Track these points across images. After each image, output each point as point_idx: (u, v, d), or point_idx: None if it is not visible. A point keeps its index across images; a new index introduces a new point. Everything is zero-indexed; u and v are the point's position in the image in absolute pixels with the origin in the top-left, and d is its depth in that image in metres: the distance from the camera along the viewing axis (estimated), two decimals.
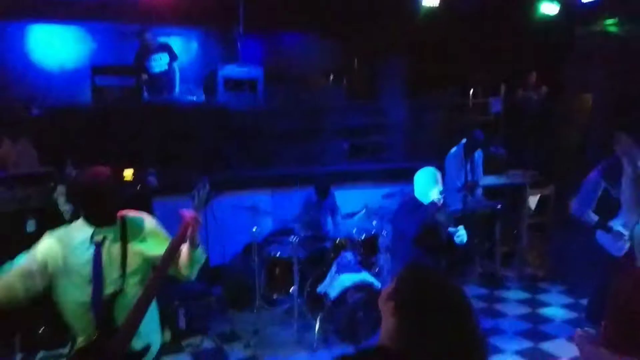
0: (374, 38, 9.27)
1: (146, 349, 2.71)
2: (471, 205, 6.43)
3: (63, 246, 2.64)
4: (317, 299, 5.40)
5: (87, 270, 2.62)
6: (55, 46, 7.97)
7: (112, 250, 2.69)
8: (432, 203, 4.13)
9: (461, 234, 4.21)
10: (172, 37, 8.21)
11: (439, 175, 4.26)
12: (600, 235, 5.15)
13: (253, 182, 7.03)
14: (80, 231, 2.70)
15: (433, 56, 9.86)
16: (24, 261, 2.61)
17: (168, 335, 5.22)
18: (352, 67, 9.86)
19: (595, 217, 5.04)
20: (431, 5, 8.76)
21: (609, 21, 8.60)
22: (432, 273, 1.66)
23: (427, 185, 4.22)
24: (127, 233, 2.75)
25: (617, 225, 4.98)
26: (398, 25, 9.21)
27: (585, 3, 7.96)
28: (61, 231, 2.71)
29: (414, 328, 1.51)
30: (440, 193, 4.14)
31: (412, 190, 4.38)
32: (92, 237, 2.67)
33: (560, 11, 8.45)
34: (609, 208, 5.07)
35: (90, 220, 2.69)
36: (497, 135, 9.13)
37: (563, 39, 8.94)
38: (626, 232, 4.93)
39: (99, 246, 2.66)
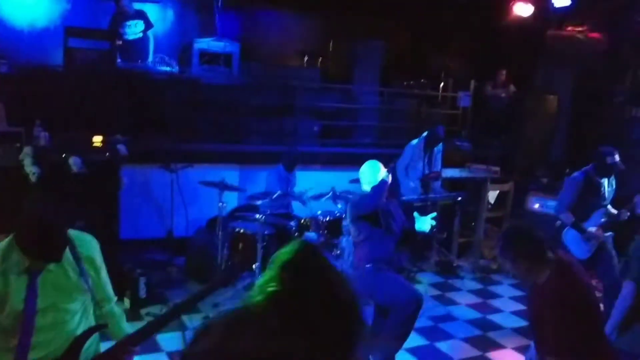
0: (352, 22, 9.34)
1: None
2: (431, 196, 6.62)
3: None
4: None
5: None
6: (26, 3, 7.76)
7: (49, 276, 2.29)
8: (383, 181, 4.36)
9: (425, 221, 4.41)
10: (148, 4, 8.09)
11: (380, 167, 4.52)
12: (568, 236, 5.36)
13: (222, 157, 7.07)
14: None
15: (408, 46, 10.00)
16: None
17: (127, 302, 5.28)
18: (327, 49, 9.91)
19: (571, 217, 5.26)
20: None
21: (578, 26, 8.85)
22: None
23: (375, 173, 4.46)
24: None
25: (588, 228, 5.21)
26: (376, 12, 9.30)
27: (558, 7, 8.17)
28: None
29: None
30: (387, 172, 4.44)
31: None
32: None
33: (533, 12, 8.64)
34: (584, 211, 5.30)
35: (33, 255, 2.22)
36: (464, 129, 9.36)
37: (534, 40, 9.17)
38: (600, 235, 5.19)
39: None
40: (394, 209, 4.52)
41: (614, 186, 5.39)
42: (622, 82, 9.21)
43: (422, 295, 4.30)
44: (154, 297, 5.43)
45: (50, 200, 2.28)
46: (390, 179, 4.40)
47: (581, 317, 2.64)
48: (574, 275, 2.73)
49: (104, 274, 2.48)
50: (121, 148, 5.36)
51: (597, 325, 2.78)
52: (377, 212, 4.26)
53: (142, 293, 5.35)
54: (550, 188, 6.51)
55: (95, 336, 2.45)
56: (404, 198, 6.48)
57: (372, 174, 4.46)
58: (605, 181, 5.31)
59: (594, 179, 5.28)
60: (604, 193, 5.32)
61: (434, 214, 4.64)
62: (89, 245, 2.42)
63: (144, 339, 2.29)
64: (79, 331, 2.36)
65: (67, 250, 2.27)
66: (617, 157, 5.15)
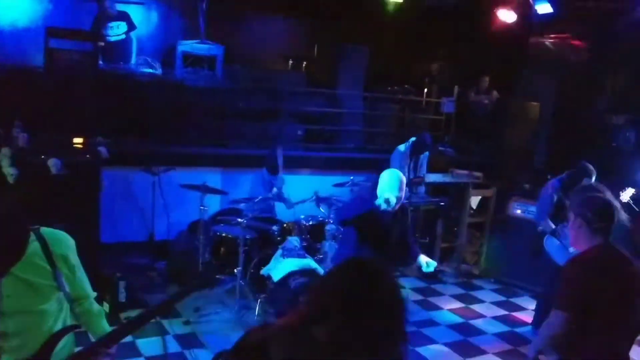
0: (337, 27, 9.35)
1: None
2: (414, 201, 6.63)
3: None
4: (260, 281, 5.48)
5: None
6: (7, 2, 7.65)
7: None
8: (378, 205, 4.05)
9: (430, 264, 4.33)
10: (132, 5, 8.03)
11: (401, 183, 4.11)
12: (549, 243, 5.42)
13: (204, 160, 7.03)
14: None
15: (393, 51, 10.04)
16: None
17: (107, 307, 5.21)
18: (312, 54, 9.91)
19: (552, 225, 5.32)
20: (396, 1, 8.90)
21: (561, 35, 8.96)
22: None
23: (387, 187, 4.09)
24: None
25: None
26: (362, 17, 9.33)
27: (541, 15, 8.25)
28: None
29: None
30: (397, 199, 4.03)
31: (370, 185, 4.46)
32: None
33: (517, 20, 8.72)
34: (563, 217, 5.36)
35: None
36: (447, 134, 9.41)
37: (517, 48, 9.25)
38: None
39: None
40: (396, 225, 4.34)
41: None
42: (603, 90, 9.33)
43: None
44: (134, 301, 5.35)
45: (19, 202, 2.22)
46: (397, 201, 4.04)
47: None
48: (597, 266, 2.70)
49: (79, 271, 2.41)
50: (102, 150, 5.30)
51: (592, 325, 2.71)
52: (358, 222, 4.20)
53: (122, 297, 5.28)
54: (532, 194, 6.54)
55: (70, 336, 2.40)
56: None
57: (388, 185, 4.08)
58: None
59: (569, 186, 5.34)
60: None
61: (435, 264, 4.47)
62: (63, 243, 2.36)
63: (118, 340, 2.24)
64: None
65: (40, 248, 2.23)
66: (593, 180, 5.24)
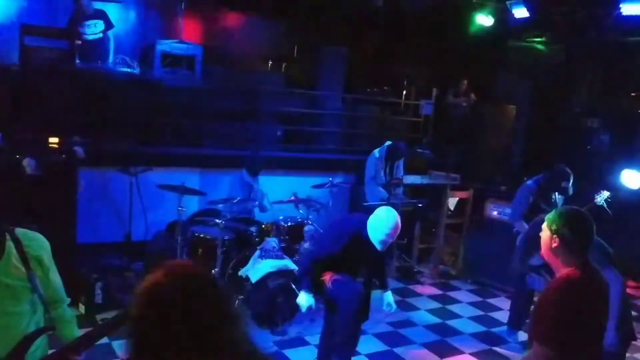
0: (317, 28, 9.37)
1: None
2: (393, 202, 6.68)
3: None
4: (238, 282, 5.46)
5: None
6: None
7: None
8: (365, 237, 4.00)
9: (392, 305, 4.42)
10: (110, 4, 7.94)
11: (398, 228, 3.97)
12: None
13: (182, 160, 6.98)
14: None
15: (372, 53, 10.10)
16: None
17: (82, 308, 5.15)
18: (292, 55, 9.92)
19: (526, 226, 5.39)
20: (376, 4, 8.96)
21: (537, 38, 9.10)
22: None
23: (386, 229, 3.94)
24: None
25: None
26: (341, 19, 9.36)
27: (517, 19, 8.36)
28: None
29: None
30: (380, 243, 3.97)
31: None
32: None
33: (494, 24, 8.83)
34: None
35: None
36: (425, 136, 9.49)
37: (494, 51, 9.37)
38: None
39: None
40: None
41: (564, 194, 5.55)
42: (578, 93, 9.51)
43: (363, 289, 4.29)
44: (110, 302, 5.29)
45: None
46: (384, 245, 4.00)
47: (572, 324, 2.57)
48: (582, 289, 2.59)
49: (53, 274, 2.40)
50: (78, 150, 5.25)
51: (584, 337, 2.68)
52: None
53: (98, 299, 5.23)
54: (509, 196, 6.62)
55: (43, 338, 2.38)
56: (366, 204, 6.55)
57: (386, 227, 3.93)
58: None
59: (544, 188, 5.43)
60: (555, 201, 5.49)
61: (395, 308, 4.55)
62: (37, 244, 2.34)
63: (89, 345, 2.21)
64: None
65: (15, 249, 2.21)
66: (570, 183, 5.33)
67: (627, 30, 7.81)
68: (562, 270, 2.66)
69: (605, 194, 5.24)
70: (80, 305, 5.15)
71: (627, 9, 7.19)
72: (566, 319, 2.54)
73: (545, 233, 2.72)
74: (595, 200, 5.24)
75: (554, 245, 2.65)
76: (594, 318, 2.65)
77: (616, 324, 3.49)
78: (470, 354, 5.29)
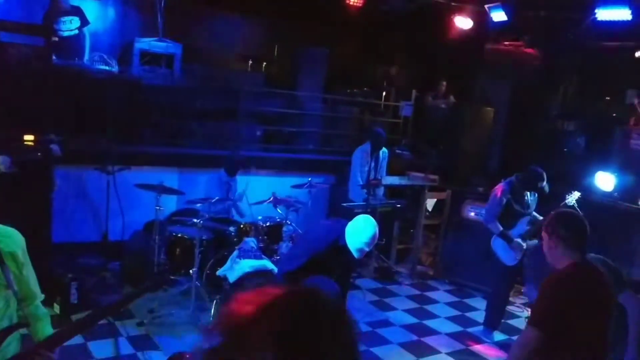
0: (297, 29, 9.37)
1: None
2: (372, 203, 6.72)
3: None
4: (216, 282, 5.44)
5: None
6: None
7: None
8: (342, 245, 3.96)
9: None
10: (88, 1, 7.86)
11: (376, 238, 3.97)
12: (496, 244, 5.57)
13: (161, 159, 6.93)
14: None
15: (352, 54, 10.13)
16: None
17: (57, 308, 5.08)
18: (272, 55, 9.90)
19: (500, 227, 5.47)
20: (356, 5, 8.99)
21: (515, 41, 9.20)
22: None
23: (364, 238, 3.92)
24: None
25: (514, 236, 5.45)
26: (322, 19, 9.37)
27: (496, 22, 8.45)
28: None
29: None
30: (358, 251, 3.94)
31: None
32: None
33: (473, 27, 8.91)
34: (510, 219, 5.52)
35: None
36: (405, 138, 9.55)
37: (473, 54, 9.45)
38: (524, 244, 5.41)
39: None
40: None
41: (536, 195, 5.64)
42: (555, 96, 9.64)
43: (339, 289, 4.29)
44: (86, 303, 5.22)
45: None
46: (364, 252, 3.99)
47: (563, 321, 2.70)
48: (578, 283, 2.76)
49: (27, 270, 2.38)
50: (54, 148, 5.18)
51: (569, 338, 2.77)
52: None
53: (74, 299, 5.16)
54: (486, 197, 6.68)
55: (16, 334, 2.35)
56: (345, 204, 6.57)
57: (364, 236, 3.91)
58: (527, 192, 5.57)
59: (517, 189, 5.51)
60: (528, 202, 5.57)
61: None
62: (11, 240, 2.32)
63: (62, 342, 2.19)
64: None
65: None
66: (545, 182, 5.42)
67: (602, 35, 7.94)
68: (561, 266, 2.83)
69: (576, 194, 5.35)
70: (56, 305, 5.07)
71: (602, 14, 7.32)
72: (560, 308, 2.70)
73: (544, 237, 2.90)
74: (567, 201, 5.35)
75: (554, 245, 2.83)
76: (590, 311, 2.75)
77: (636, 338, 3.55)
78: (447, 353, 5.34)
